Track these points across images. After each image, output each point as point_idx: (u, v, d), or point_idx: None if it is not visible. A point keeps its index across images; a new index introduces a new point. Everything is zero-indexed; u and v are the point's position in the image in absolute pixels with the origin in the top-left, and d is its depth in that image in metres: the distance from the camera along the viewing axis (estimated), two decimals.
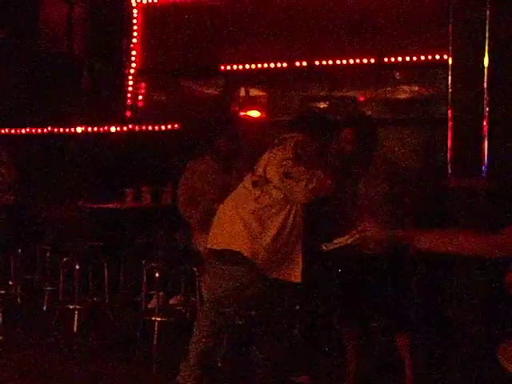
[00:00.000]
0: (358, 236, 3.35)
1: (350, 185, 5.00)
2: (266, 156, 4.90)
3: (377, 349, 5.82)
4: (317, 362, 5.76)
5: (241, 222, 4.73)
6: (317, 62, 8.02)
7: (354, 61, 7.89)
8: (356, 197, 4.96)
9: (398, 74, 8.03)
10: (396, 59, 7.75)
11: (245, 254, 4.70)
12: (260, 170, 4.86)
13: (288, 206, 4.74)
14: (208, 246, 4.97)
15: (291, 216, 4.75)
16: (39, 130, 8.93)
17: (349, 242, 3.41)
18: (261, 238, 4.70)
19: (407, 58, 7.71)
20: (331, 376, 5.46)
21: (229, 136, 6.02)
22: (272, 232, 4.71)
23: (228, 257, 4.78)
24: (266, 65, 8.28)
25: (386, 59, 7.79)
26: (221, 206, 4.99)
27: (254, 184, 4.83)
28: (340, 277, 5.17)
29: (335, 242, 3.48)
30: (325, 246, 3.55)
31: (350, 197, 4.99)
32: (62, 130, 8.83)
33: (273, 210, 4.73)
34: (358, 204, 4.93)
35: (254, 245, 4.70)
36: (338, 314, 5.27)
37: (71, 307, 6.79)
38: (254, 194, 4.78)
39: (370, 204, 4.89)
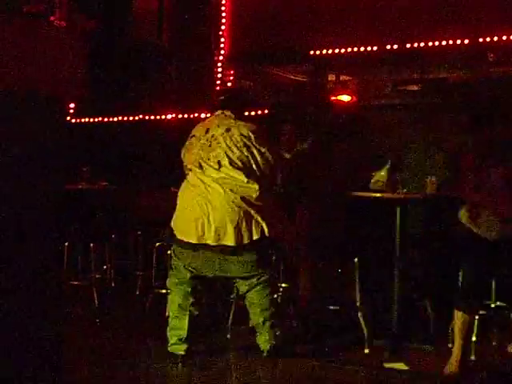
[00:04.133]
0: None
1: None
2: None
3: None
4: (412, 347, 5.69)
5: None
6: (408, 45, 7.87)
7: (447, 42, 7.70)
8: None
9: (491, 55, 7.80)
10: (492, 39, 7.52)
11: None
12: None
13: None
14: None
15: None
16: (131, 118, 9.07)
17: None
18: None
19: (503, 38, 7.48)
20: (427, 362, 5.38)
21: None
22: None
23: None
24: (356, 49, 8.17)
25: (480, 39, 7.58)
26: None
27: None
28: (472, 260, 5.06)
29: None
30: None
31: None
32: (152, 117, 8.94)
33: None
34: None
35: None
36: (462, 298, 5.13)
37: (164, 292, 6.85)
38: None
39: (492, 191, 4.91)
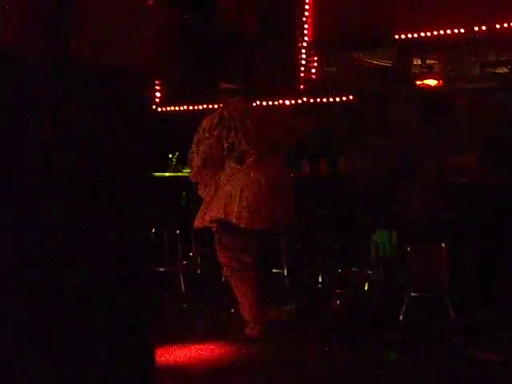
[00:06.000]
0: None
1: None
2: None
3: None
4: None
5: None
6: (497, 26, 7.64)
7: None
8: None
9: None
10: None
11: None
12: None
13: None
14: None
15: None
16: (215, 106, 9.10)
17: None
18: None
19: None
20: None
21: None
22: None
23: None
24: (442, 31, 7.98)
25: None
26: None
27: None
28: None
29: None
30: None
31: None
32: None
33: None
34: None
35: None
36: None
37: None
38: None
39: None
